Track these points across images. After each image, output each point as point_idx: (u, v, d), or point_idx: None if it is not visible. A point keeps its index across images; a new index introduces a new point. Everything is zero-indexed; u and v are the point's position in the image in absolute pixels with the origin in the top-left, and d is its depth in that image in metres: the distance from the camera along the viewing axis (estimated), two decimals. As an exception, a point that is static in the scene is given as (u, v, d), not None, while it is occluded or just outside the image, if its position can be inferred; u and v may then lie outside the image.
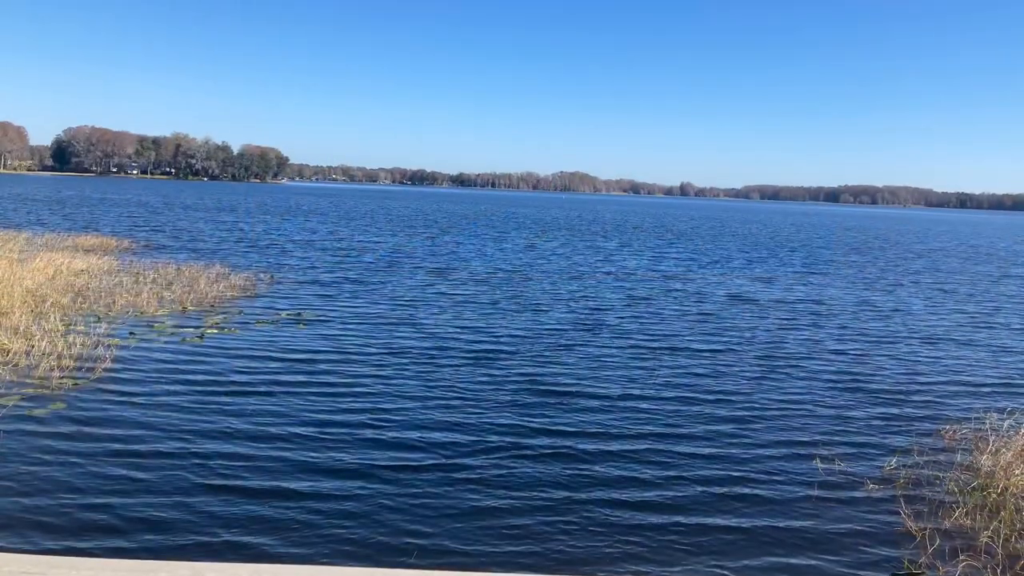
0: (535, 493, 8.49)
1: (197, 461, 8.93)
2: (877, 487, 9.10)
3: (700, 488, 8.87)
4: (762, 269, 36.52)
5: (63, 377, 11.87)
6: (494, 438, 10.23)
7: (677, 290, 26.78)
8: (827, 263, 41.87)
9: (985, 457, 9.74)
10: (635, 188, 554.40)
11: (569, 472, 9.17)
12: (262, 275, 25.52)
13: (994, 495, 8.73)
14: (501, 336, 17.17)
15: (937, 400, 13.33)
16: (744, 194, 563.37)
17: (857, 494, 8.91)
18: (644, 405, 12.12)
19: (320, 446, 9.65)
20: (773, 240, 63.83)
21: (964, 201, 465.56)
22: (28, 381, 11.62)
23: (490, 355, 15.21)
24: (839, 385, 14.06)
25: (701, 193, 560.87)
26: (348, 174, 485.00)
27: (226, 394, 11.69)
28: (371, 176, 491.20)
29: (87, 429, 9.77)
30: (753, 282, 30.42)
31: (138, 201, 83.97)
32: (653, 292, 25.94)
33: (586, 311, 21.20)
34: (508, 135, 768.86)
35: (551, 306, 21.84)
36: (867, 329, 20.28)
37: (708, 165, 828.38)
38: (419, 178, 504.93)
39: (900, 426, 11.69)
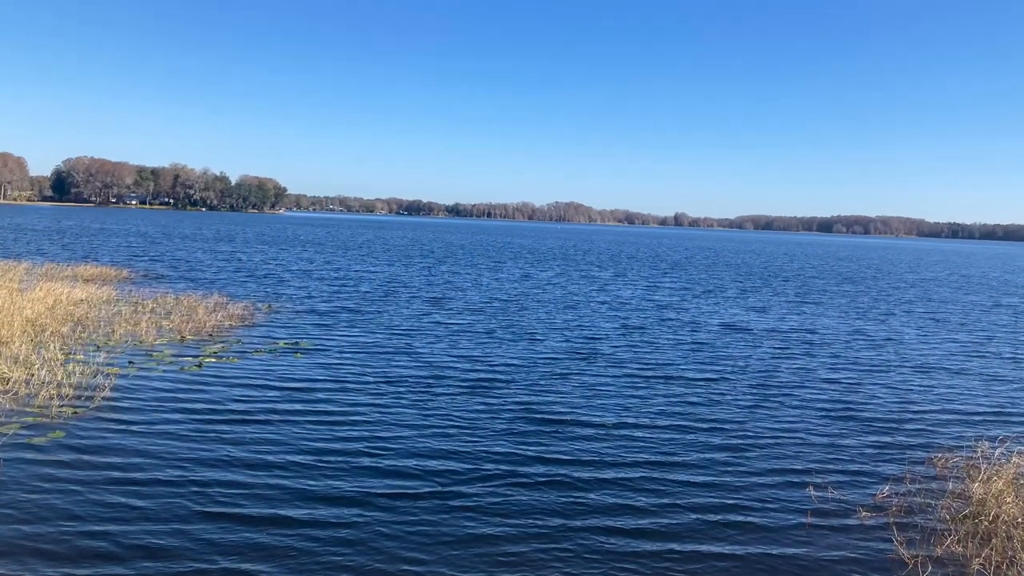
0: (531, 521, 8.57)
1: (195, 489, 8.99)
2: (870, 515, 9.20)
3: (694, 516, 8.95)
4: (756, 299, 36.74)
5: (63, 406, 11.94)
6: (490, 466, 10.31)
7: (671, 319, 26.95)
8: (820, 293, 42.13)
9: (977, 485, 9.84)
10: (630, 218, 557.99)
11: (564, 500, 9.25)
12: (260, 304, 25.65)
13: (986, 523, 8.83)
14: (497, 365, 17.28)
15: (929, 428, 13.45)
16: (738, 224, 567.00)
17: (850, 521, 9.00)
18: (639, 433, 12.22)
19: (317, 474, 9.72)
20: (766, 270, 64.22)
21: (956, 231, 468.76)
22: (28, 410, 11.70)
23: (486, 384, 15.32)
24: (832, 413, 14.18)
25: (695, 223, 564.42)
26: (345, 204, 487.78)
27: (224, 422, 11.76)
28: (368, 206, 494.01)
29: (86, 457, 9.83)
30: (747, 311, 30.62)
31: (137, 231, 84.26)
32: (648, 321, 26.10)
33: (581, 340, 21.34)
34: (503, 165, 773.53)
35: (546, 335, 21.98)
36: (860, 358, 20.43)
37: (702, 195, 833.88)
38: (415, 208, 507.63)
39: (892, 454, 11.80)
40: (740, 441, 12.06)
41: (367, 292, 31.90)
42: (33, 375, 13.24)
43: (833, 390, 16.22)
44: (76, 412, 11.73)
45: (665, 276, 51.05)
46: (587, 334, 22.58)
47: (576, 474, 10.17)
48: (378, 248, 72.94)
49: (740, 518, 8.94)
